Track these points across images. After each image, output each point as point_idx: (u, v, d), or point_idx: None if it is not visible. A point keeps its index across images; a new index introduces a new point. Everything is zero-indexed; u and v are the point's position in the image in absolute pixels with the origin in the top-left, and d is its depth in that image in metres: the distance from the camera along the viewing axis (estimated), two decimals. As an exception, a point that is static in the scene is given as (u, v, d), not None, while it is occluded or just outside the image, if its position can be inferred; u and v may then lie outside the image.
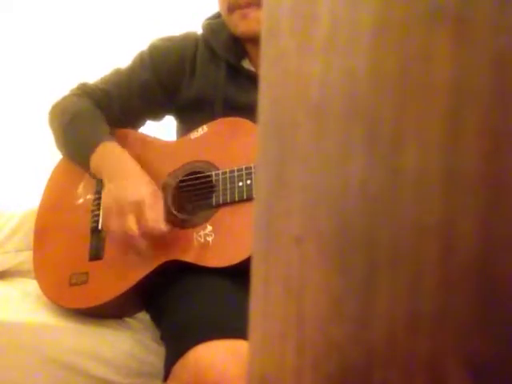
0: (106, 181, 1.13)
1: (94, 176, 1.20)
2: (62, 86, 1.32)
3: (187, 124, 1.23)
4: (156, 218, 1.05)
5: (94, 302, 1.11)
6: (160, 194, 1.10)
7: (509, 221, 0.18)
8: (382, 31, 0.21)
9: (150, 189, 1.08)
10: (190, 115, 1.23)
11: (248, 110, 1.01)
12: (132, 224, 1.03)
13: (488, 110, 0.19)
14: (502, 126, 0.18)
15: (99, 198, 1.19)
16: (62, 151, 1.27)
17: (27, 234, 1.34)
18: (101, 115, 1.23)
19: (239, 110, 1.15)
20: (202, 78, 1.21)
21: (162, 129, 1.36)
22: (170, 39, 1.26)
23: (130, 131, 1.26)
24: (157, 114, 1.30)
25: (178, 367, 0.89)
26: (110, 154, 1.15)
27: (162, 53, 1.24)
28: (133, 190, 1.07)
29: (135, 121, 1.28)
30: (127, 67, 1.27)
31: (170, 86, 1.23)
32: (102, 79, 1.29)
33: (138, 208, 1.04)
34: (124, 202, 1.05)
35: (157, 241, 1.08)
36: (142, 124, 1.31)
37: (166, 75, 1.23)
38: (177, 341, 0.94)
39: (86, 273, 1.13)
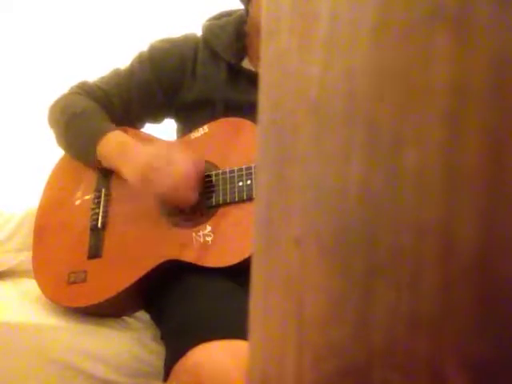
0: (121, 167, 1.12)
1: (96, 171, 1.20)
2: (62, 86, 1.32)
3: (188, 125, 1.23)
4: (187, 158, 1.07)
5: (92, 300, 1.11)
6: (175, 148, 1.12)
7: (509, 221, 0.18)
8: (382, 31, 0.21)
9: (164, 145, 1.11)
10: (191, 116, 1.23)
11: (249, 111, 1.01)
12: (172, 169, 1.04)
13: (488, 110, 0.19)
14: (502, 125, 0.18)
15: (99, 197, 1.19)
16: (63, 148, 1.27)
17: (27, 234, 1.34)
18: (102, 111, 1.23)
19: (240, 110, 1.15)
20: (202, 79, 1.21)
21: (162, 129, 1.36)
22: (170, 41, 1.26)
23: (130, 129, 1.26)
24: (156, 116, 1.30)
25: (178, 368, 0.89)
26: (117, 143, 1.15)
27: (162, 55, 1.24)
28: (152, 152, 1.09)
29: (134, 122, 1.28)
30: (126, 68, 1.27)
31: (169, 88, 1.23)
32: (101, 79, 1.29)
33: (168, 158, 1.05)
34: (152, 163, 1.06)
35: (157, 239, 1.08)
36: (141, 126, 1.31)
37: (166, 77, 1.23)
38: (177, 341, 0.94)
39: (85, 271, 1.13)
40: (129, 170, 1.10)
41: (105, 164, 1.17)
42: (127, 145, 1.14)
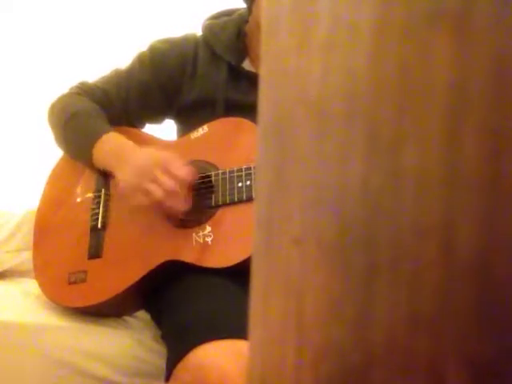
0: (114, 169, 1.12)
1: (95, 171, 1.20)
2: (62, 86, 1.32)
3: (188, 126, 1.23)
4: (182, 166, 1.06)
5: (92, 300, 1.11)
6: (174, 152, 1.12)
7: (509, 221, 0.18)
8: (382, 31, 0.21)
9: (163, 150, 1.10)
10: (191, 117, 1.23)
11: (249, 111, 1.01)
12: (166, 178, 1.04)
13: (488, 109, 0.19)
14: (502, 125, 0.18)
15: (99, 197, 1.19)
16: (62, 148, 1.27)
17: (27, 234, 1.34)
18: (101, 111, 1.23)
19: (241, 110, 1.15)
20: (202, 80, 1.21)
21: (162, 129, 1.36)
22: (170, 41, 1.26)
23: (130, 129, 1.26)
24: (155, 117, 1.30)
25: (180, 368, 0.89)
26: (114, 144, 1.15)
27: (162, 55, 1.24)
28: (148, 156, 1.08)
29: (133, 122, 1.28)
30: (126, 68, 1.27)
31: (169, 88, 1.23)
32: (101, 79, 1.29)
33: (163, 165, 1.05)
34: (147, 167, 1.06)
35: (157, 239, 1.08)
36: (141, 127, 1.31)
37: (166, 77, 1.23)
38: (178, 342, 0.94)
39: (85, 271, 1.13)
40: (122, 172, 1.10)
41: (99, 166, 1.17)
42: (122, 147, 1.14)
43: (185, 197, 1.06)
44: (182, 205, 1.06)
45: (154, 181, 1.04)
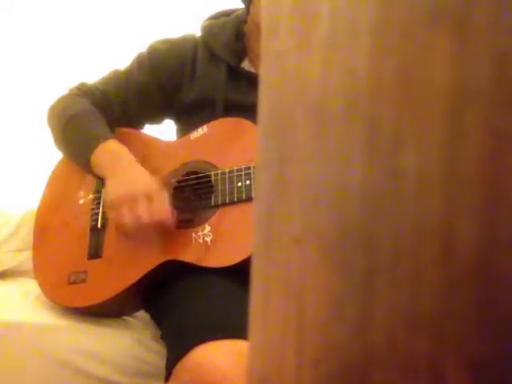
0: (107, 178, 1.13)
1: (94, 175, 1.20)
2: (62, 86, 1.32)
3: (188, 126, 1.23)
4: (165, 207, 1.06)
5: (92, 300, 1.11)
6: (162, 188, 1.11)
7: (509, 221, 0.18)
8: (382, 31, 0.21)
9: (155, 182, 1.09)
10: (191, 117, 1.23)
11: (249, 111, 1.01)
12: (146, 210, 1.04)
13: (488, 109, 0.19)
14: (503, 125, 0.18)
15: (99, 198, 1.19)
16: (61, 150, 1.27)
17: (27, 234, 1.34)
18: (100, 115, 1.23)
19: (240, 111, 1.15)
20: (202, 80, 1.21)
21: (162, 129, 1.36)
22: (169, 41, 1.25)
23: (130, 130, 1.26)
24: (155, 117, 1.30)
25: (179, 368, 0.89)
26: (111, 153, 1.15)
27: (161, 56, 1.24)
28: (141, 181, 1.08)
29: (133, 123, 1.28)
30: (126, 69, 1.27)
31: (169, 89, 1.23)
32: (100, 80, 1.29)
33: (149, 197, 1.05)
34: (134, 191, 1.06)
35: (157, 239, 1.08)
36: (141, 127, 1.31)
37: (166, 78, 1.23)
38: (177, 342, 0.94)
39: (85, 271, 1.13)
40: (110, 187, 1.11)
41: (95, 172, 1.17)
42: (116, 160, 1.14)
43: (149, 235, 1.07)
44: (143, 239, 1.07)
45: (132, 210, 1.05)
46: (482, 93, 0.19)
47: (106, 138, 1.16)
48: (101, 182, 1.20)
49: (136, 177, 1.10)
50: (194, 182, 1.14)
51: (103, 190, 1.20)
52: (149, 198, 1.05)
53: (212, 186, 1.10)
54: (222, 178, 1.10)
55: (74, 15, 2.03)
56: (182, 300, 1.02)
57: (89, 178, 1.23)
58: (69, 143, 1.23)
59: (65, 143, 1.24)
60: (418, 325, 0.20)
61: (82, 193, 1.23)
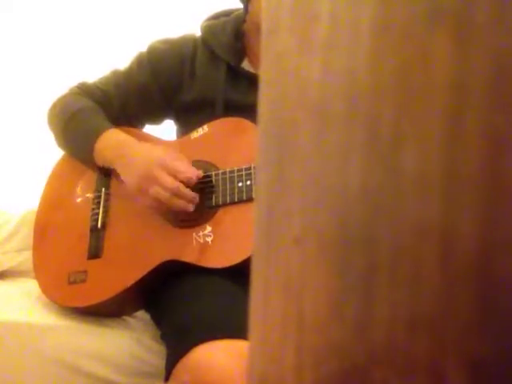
0: (116, 165, 1.13)
1: (95, 171, 1.20)
2: (62, 86, 1.32)
3: (187, 126, 1.23)
4: (186, 166, 1.06)
5: (92, 300, 1.11)
6: (176, 152, 1.11)
7: (509, 221, 0.18)
8: (382, 31, 0.21)
9: (166, 149, 1.10)
10: (191, 117, 1.23)
11: (249, 111, 1.01)
12: (168, 179, 1.04)
13: (488, 109, 0.19)
14: (502, 126, 0.18)
15: (99, 197, 1.19)
16: (62, 147, 1.27)
17: (27, 234, 1.34)
18: (101, 110, 1.23)
19: (240, 111, 1.15)
20: (201, 80, 1.21)
21: (162, 129, 1.36)
22: (169, 41, 1.26)
23: (130, 129, 1.26)
24: (155, 117, 1.30)
25: (179, 368, 0.89)
26: (114, 140, 1.16)
27: (161, 56, 1.24)
28: (152, 156, 1.08)
29: (133, 123, 1.28)
30: (125, 69, 1.27)
31: (168, 89, 1.23)
32: (100, 80, 1.29)
33: (165, 165, 1.05)
34: (148, 167, 1.05)
35: (157, 239, 1.08)
36: (141, 127, 1.31)
37: (165, 78, 1.23)
38: (177, 341, 0.94)
39: (85, 271, 1.13)
40: (126, 174, 1.11)
41: (102, 163, 1.17)
42: (124, 146, 1.14)
43: (190, 196, 1.06)
44: (186, 206, 1.06)
45: (156, 182, 1.04)
46: (481, 93, 0.19)
47: (107, 128, 1.17)
48: (101, 180, 1.21)
49: (145, 154, 1.10)
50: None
51: (103, 190, 1.20)
52: (166, 166, 1.05)
53: (213, 186, 1.10)
54: (222, 178, 1.10)
55: (74, 15, 2.03)
56: (181, 300, 1.02)
57: (89, 177, 1.23)
58: (71, 139, 1.23)
59: (67, 140, 1.24)
60: (418, 325, 0.20)
61: (82, 193, 1.23)
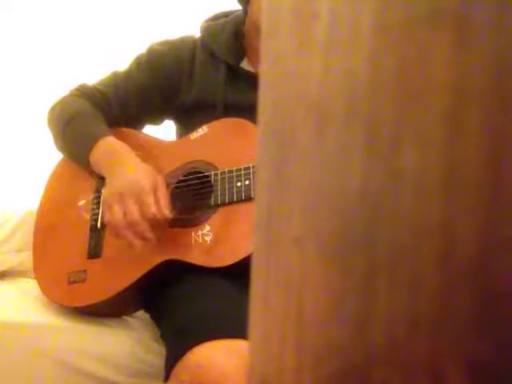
0: (107, 176, 1.13)
1: (94, 173, 1.20)
2: (62, 87, 1.32)
3: (187, 127, 1.23)
4: (157, 202, 1.05)
5: (92, 300, 1.11)
6: (162, 181, 1.10)
7: (509, 222, 0.18)
8: (382, 31, 0.21)
9: (151, 176, 1.08)
10: (190, 118, 1.23)
11: (248, 111, 1.01)
12: (133, 209, 1.03)
13: (488, 110, 0.19)
14: (502, 126, 0.18)
15: (99, 197, 1.19)
16: (60, 151, 1.27)
17: (27, 234, 1.34)
18: (99, 115, 1.23)
19: (240, 111, 1.15)
20: (201, 81, 1.21)
21: (162, 130, 1.36)
22: (168, 43, 1.26)
23: (129, 130, 1.26)
24: (155, 118, 1.30)
25: (179, 368, 0.89)
26: (109, 150, 1.15)
27: (160, 57, 1.24)
28: (131, 177, 1.07)
29: (133, 124, 1.28)
30: (125, 70, 1.27)
31: (168, 90, 1.23)
32: (99, 81, 1.29)
33: (138, 194, 1.04)
34: (123, 189, 1.05)
35: (157, 239, 1.08)
36: (141, 128, 1.31)
37: (164, 79, 1.23)
38: (177, 341, 0.94)
39: (85, 271, 1.13)
40: (107, 184, 1.11)
41: (97, 172, 1.18)
42: (114, 156, 1.14)
43: (142, 234, 1.05)
44: (132, 240, 1.05)
45: (122, 206, 1.04)
46: (481, 93, 0.19)
47: (103, 136, 1.16)
48: (101, 181, 1.21)
49: (128, 173, 1.09)
50: (193, 181, 1.14)
51: (103, 190, 1.20)
52: (137, 194, 1.04)
53: (212, 186, 1.10)
54: (221, 178, 1.10)
55: (74, 15, 2.03)
56: (181, 300, 1.02)
57: (89, 177, 1.23)
58: (68, 144, 1.23)
59: (64, 144, 1.24)
60: (417, 325, 0.20)
61: (81, 193, 1.23)
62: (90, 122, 1.22)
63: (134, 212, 1.03)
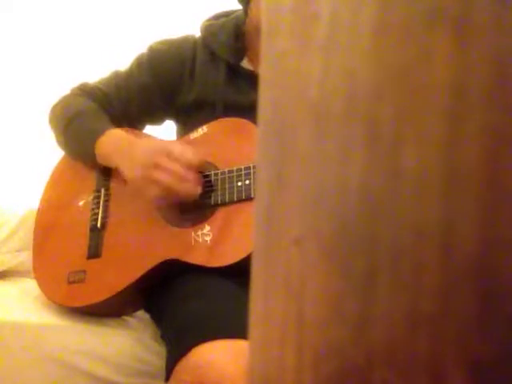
0: (118, 162, 1.12)
1: (94, 171, 1.20)
2: (62, 86, 1.32)
3: (188, 126, 1.23)
4: (187, 150, 1.06)
5: (91, 300, 1.11)
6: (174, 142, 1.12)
7: (509, 221, 0.18)
8: (382, 31, 0.21)
9: (165, 140, 1.11)
10: (191, 117, 1.23)
11: (249, 111, 1.01)
12: (171, 163, 1.03)
13: (488, 109, 0.19)
14: (502, 126, 0.18)
15: (99, 197, 1.19)
16: (63, 148, 1.27)
17: (27, 234, 1.34)
18: (101, 111, 1.23)
19: (240, 110, 1.15)
20: (201, 80, 1.21)
21: (162, 130, 1.36)
22: (169, 42, 1.26)
23: (130, 130, 1.26)
24: (156, 118, 1.30)
25: (179, 368, 0.89)
26: (117, 137, 1.16)
27: (161, 56, 1.24)
28: (150, 145, 1.09)
29: (133, 123, 1.28)
30: (126, 70, 1.27)
31: (168, 89, 1.23)
32: (101, 80, 1.29)
33: (166, 150, 1.05)
34: (149, 157, 1.05)
35: (156, 239, 1.08)
36: (141, 128, 1.31)
37: (165, 79, 1.23)
38: (177, 341, 0.94)
39: (84, 271, 1.13)
40: (127, 167, 1.10)
41: (103, 162, 1.17)
42: (124, 142, 1.14)
43: (194, 179, 1.06)
44: (193, 188, 1.05)
45: (159, 168, 1.04)
46: (481, 93, 0.19)
47: (108, 128, 1.17)
48: (101, 180, 1.21)
49: (145, 145, 1.10)
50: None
51: (103, 190, 1.20)
52: (165, 152, 1.04)
53: (212, 186, 1.10)
54: (221, 178, 1.10)
55: (75, 15, 2.03)
56: (181, 300, 1.02)
57: (88, 177, 1.23)
58: (72, 139, 1.23)
59: (67, 141, 1.24)
60: (418, 325, 0.20)
61: (81, 193, 1.23)
62: (93, 118, 1.22)
63: (174, 165, 1.03)
